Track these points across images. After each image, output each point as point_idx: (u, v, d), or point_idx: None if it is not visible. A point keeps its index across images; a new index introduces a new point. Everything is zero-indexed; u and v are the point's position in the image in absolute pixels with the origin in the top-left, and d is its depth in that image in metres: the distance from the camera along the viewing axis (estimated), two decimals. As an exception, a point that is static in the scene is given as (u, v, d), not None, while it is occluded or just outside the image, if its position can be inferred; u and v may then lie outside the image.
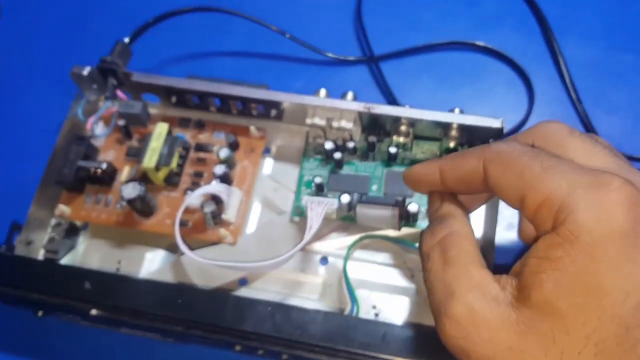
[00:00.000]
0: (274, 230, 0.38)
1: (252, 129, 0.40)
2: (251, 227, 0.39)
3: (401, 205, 0.35)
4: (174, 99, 0.40)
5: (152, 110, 0.41)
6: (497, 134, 0.36)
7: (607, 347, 0.20)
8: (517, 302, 0.22)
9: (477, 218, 0.37)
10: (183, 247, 0.35)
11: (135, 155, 0.40)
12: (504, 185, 0.24)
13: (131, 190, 0.36)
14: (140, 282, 0.33)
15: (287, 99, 0.38)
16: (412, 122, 0.37)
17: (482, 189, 0.26)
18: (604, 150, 0.26)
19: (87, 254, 0.38)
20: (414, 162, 0.38)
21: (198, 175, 0.39)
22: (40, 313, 0.36)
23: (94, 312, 0.33)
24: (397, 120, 0.37)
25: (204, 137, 0.40)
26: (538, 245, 0.22)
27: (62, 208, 0.38)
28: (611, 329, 0.20)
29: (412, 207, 0.35)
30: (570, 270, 0.21)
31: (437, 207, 0.29)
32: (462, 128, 0.37)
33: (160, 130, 0.38)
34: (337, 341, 0.30)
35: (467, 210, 0.29)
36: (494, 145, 0.26)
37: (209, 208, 0.36)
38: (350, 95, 0.38)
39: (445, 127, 0.37)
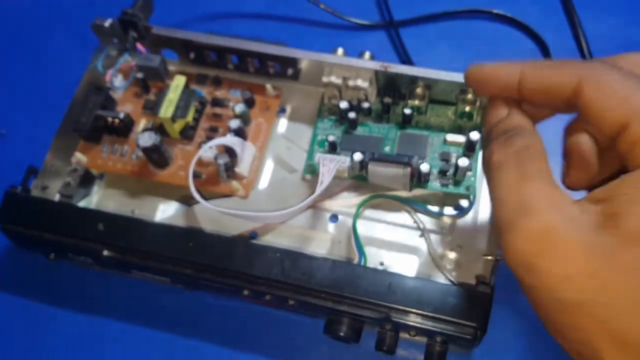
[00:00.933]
0: (285, 187, 0.39)
1: (268, 87, 0.40)
2: (263, 183, 0.39)
3: (413, 164, 0.35)
4: (192, 55, 0.41)
5: (170, 67, 0.42)
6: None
7: None
8: (602, 229, 0.21)
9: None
10: (196, 195, 0.35)
11: (152, 108, 0.40)
12: (601, 108, 0.23)
13: (147, 139, 0.36)
14: (152, 225, 0.34)
15: (305, 56, 0.38)
16: (428, 85, 0.38)
17: (563, 107, 0.25)
18: None
19: (101, 202, 0.39)
20: (428, 126, 0.38)
21: (213, 130, 0.39)
22: (52, 256, 0.37)
23: (106, 253, 0.33)
24: (413, 81, 0.37)
25: (220, 93, 0.41)
26: (635, 176, 0.22)
27: (79, 156, 0.39)
28: None
29: (424, 167, 0.35)
30: None
31: (503, 115, 0.27)
32: (478, 91, 0.37)
33: (177, 82, 0.38)
34: (344, 288, 0.31)
35: None
36: (593, 63, 0.24)
37: (223, 160, 0.37)
38: (367, 54, 0.38)
39: (462, 89, 0.37)
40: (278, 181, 0.39)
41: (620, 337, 0.20)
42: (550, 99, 0.25)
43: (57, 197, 0.38)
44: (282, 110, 0.41)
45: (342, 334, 0.32)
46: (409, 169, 0.35)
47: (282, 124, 0.41)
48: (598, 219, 0.22)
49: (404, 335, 0.33)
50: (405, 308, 0.30)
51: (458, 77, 0.36)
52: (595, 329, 0.21)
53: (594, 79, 0.24)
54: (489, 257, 0.33)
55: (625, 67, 0.24)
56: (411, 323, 0.30)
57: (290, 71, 0.40)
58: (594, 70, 0.24)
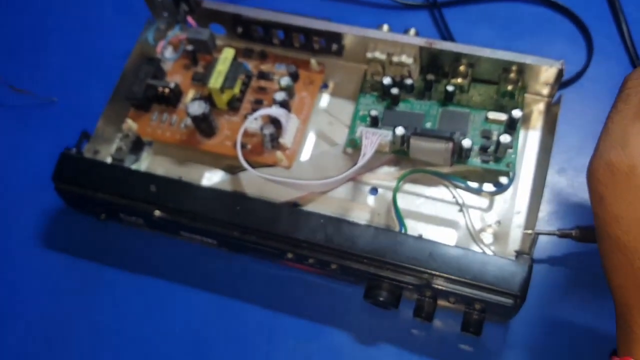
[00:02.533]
0: (326, 159, 0.40)
1: (313, 62, 0.41)
2: (305, 155, 0.40)
3: (455, 140, 0.36)
4: (239, 30, 0.42)
5: (218, 42, 0.43)
6: (557, 77, 0.37)
7: None
8: None
9: (529, 160, 0.38)
10: (244, 162, 0.36)
11: (201, 80, 0.41)
12: None
13: (197, 108, 0.38)
14: (202, 189, 0.35)
15: (351, 31, 0.39)
16: (471, 63, 0.38)
17: None
18: None
19: (149, 169, 0.40)
20: (469, 104, 0.39)
21: (258, 102, 0.41)
22: (102, 216, 0.39)
23: (157, 213, 0.35)
24: (457, 59, 0.38)
25: (266, 67, 0.42)
26: None
27: (130, 123, 0.40)
28: None
29: (466, 143, 0.36)
30: None
31: None
32: (521, 70, 0.37)
33: (226, 54, 0.40)
34: (386, 254, 0.32)
35: None
36: None
37: (269, 130, 0.38)
38: (412, 31, 0.39)
39: (505, 68, 0.38)
40: (319, 154, 0.40)
41: None
42: None
43: (109, 161, 0.40)
44: (325, 86, 0.42)
45: (382, 299, 0.33)
46: (451, 144, 0.35)
47: (325, 99, 0.42)
48: None
49: (441, 303, 0.34)
50: (446, 275, 0.31)
51: (502, 55, 0.37)
52: (630, 273, 0.22)
53: None
54: (529, 232, 0.34)
55: None
56: (452, 290, 0.31)
57: (334, 47, 0.41)
58: None
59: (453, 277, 0.31)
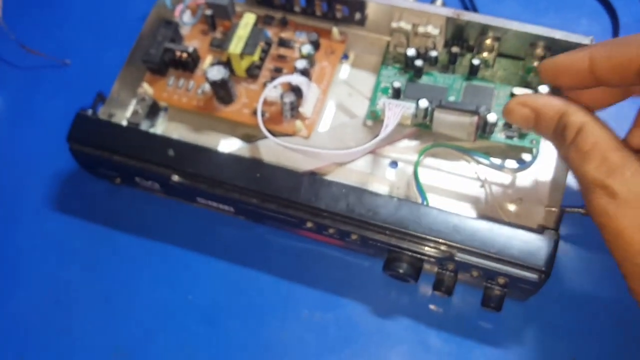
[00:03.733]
0: (346, 131, 0.39)
1: (335, 30, 0.40)
2: (324, 126, 0.39)
3: (481, 114, 0.35)
4: (260, -5, 0.41)
5: (237, 8, 0.42)
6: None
7: None
8: None
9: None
10: (264, 129, 0.36)
11: (219, 46, 0.40)
12: None
13: (216, 73, 0.37)
14: (221, 155, 0.34)
15: (376, 0, 0.38)
16: (497, 37, 0.37)
17: (637, 80, 0.25)
18: None
19: (164, 134, 0.40)
20: (494, 79, 0.38)
21: (277, 70, 0.40)
22: (117, 180, 0.38)
23: (175, 178, 0.34)
24: (483, 32, 0.37)
25: (286, 35, 0.41)
26: None
27: (146, 87, 0.39)
28: None
29: (491, 117, 0.35)
30: None
31: (558, 114, 0.28)
32: (549, 46, 0.37)
33: (247, 20, 0.39)
34: (408, 225, 0.31)
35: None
36: None
37: (289, 98, 0.37)
38: (439, 1, 0.38)
39: (533, 43, 0.37)
40: (339, 125, 0.39)
41: None
42: (621, 76, 0.26)
43: (124, 124, 0.39)
44: (345, 57, 0.41)
45: (402, 271, 0.32)
46: (476, 118, 0.35)
47: (345, 70, 0.41)
48: None
49: (461, 277, 0.33)
50: (470, 248, 0.30)
51: (530, 29, 0.36)
52: None
53: None
54: (553, 209, 0.33)
55: None
56: (475, 263, 0.30)
57: (357, 16, 0.40)
58: None
59: (477, 250, 0.30)
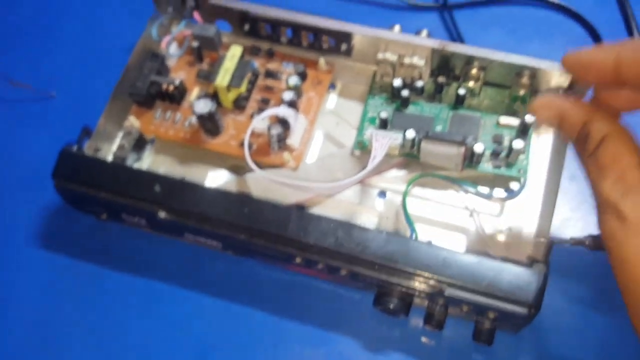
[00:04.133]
0: (334, 161, 0.39)
1: (321, 61, 0.40)
2: (312, 157, 0.39)
3: (467, 144, 0.35)
4: (246, 27, 0.41)
5: (224, 39, 0.42)
6: (571, 84, 0.36)
7: None
8: None
9: (540, 166, 0.37)
10: (251, 163, 0.35)
11: (206, 77, 0.40)
12: None
13: (203, 106, 0.37)
14: (208, 190, 0.34)
15: (361, 31, 0.38)
16: (483, 66, 0.38)
17: None
18: None
19: (151, 168, 0.39)
20: (480, 108, 0.38)
21: (265, 101, 0.40)
22: (103, 216, 0.38)
23: (162, 214, 0.34)
24: (469, 62, 0.37)
25: (273, 66, 0.41)
26: None
27: (132, 120, 0.39)
28: None
29: (478, 148, 0.35)
30: None
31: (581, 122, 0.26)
32: (534, 75, 0.37)
33: (234, 52, 0.39)
34: (398, 260, 0.31)
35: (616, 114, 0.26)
36: None
37: (276, 130, 0.37)
38: (424, 32, 0.38)
39: (518, 72, 0.37)
40: (327, 156, 0.39)
41: None
42: None
43: (110, 159, 0.38)
44: (332, 87, 0.42)
45: (392, 306, 0.32)
46: (463, 149, 0.35)
47: (332, 100, 0.41)
48: None
49: (452, 311, 0.33)
50: (459, 283, 0.30)
51: (515, 59, 0.36)
52: None
53: None
54: (542, 239, 0.33)
55: None
56: (465, 298, 0.30)
57: (344, 47, 0.40)
58: None
59: (467, 285, 0.30)
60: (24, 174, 0.42)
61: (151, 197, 0.34)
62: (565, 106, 0.26)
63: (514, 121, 0.37)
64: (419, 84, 0.38)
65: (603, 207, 0.24)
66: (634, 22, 0.43)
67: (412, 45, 0.37)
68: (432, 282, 0.31)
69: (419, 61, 0.38)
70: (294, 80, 0.39)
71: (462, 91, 0.37)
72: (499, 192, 0.37)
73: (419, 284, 0.31)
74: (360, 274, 0.32)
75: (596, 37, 0.43)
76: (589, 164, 0.25)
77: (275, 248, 0.33)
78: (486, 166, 0.36)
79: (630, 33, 0.43)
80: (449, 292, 0.31)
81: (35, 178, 0.39)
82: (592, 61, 0.26)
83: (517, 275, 0.30)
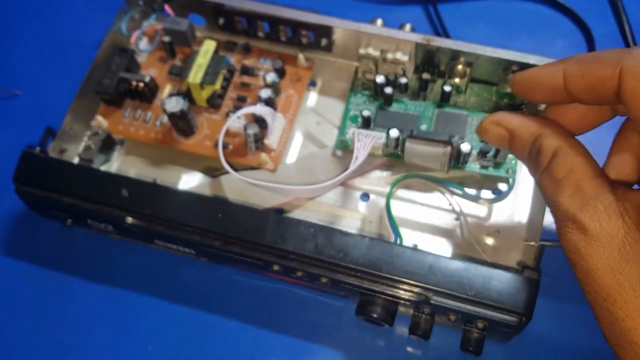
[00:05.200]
0: (315, 162, 0.37)
1: (301, 57, 0.38)
2: (291, 157, 0.37)
3: (454, 144, 0.33)
4: (221, 21, 0.39)
5: (197, 34, 0.40)
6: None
7: None
8: (634, 222, 0.21)
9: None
10: (225, 164, 0.33)
11: (178, 74, 0.38)
12: (637, 104, 0.22)
13: (175, 104, 0.35)
14: (180, 194, 0.32)
15: (342, 25, 0.36)
16: (469, 62, 0.36)
17: (614, 100, 0.23)
18: None
19: (121, 169, 0.37)
20: (466, 106, 0.37)
21: (241, 99, 0.38)
22: (68, 222, 0.35)
23: (129, 220, 0.32)
24: (454, 57, 0.36)
25: (249, 62, 0.39)
26: None
27: (100, 119, 0.37)
28: None
29: (465, 147, 0.34)
30: None
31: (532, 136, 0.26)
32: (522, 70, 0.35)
33: (207, 47, 0.37)
34: (381, 267, 0.29)
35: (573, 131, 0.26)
36: (635, 51, 0.22)
37: (253, 130, 0.35)
38: (408, 27, 0.37)
39: (506, 68, 0.35)
40: (307, 156, 0.38)
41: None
42: (597, 95, 0.24)
43: (76, 161, 0.36)
44: (313, 84, 0.40)
45: (375, 315, 0.30)
46: (449, 148, 0.33)
47: (312, 98, 0.39)
48: (634, 213, 0.22)
49: (438, 320, 0.31)
50: (446, 290, 0.29)
51: (502, 54, 0.35)
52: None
53: (636, 69, 0.22)
54: (532, 243, 0.32)
55: None
56: (452, 307, 0.29)
57: (324, 42, 0.38)
58: (636, 58, 0.22)
59: (454, 293, 0.28)
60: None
61: (118, 202, 0.32)
62: (515, 122, 0.25)
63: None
64: (403, 80, 0.36)
65: (562, 221, 0.23)
66: (625, 16, 0.42)
67: (395, 40, 0.36)
68: (417, 290, 0.29)
69: (402, 57, 0.36)
70: (271, 77, 0.37)
71: (447, 88, 0.36)
72: (487, 194, 0.35)
73: (403, 292, 0.29)
74: (342, 282, 0.30)
75: (586, 31, 0.42)
76: (544, 179, 0.24)
77: (251, 255, 0.31)
78: (473, 166, 0.35)
79: (620, 26, 0.42)
80: (436, 300, 0.29)
81: (-3, 181, 0.37)
82: (539, 79, 0.25)
83: (507, 282, 0.28)
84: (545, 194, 0.24)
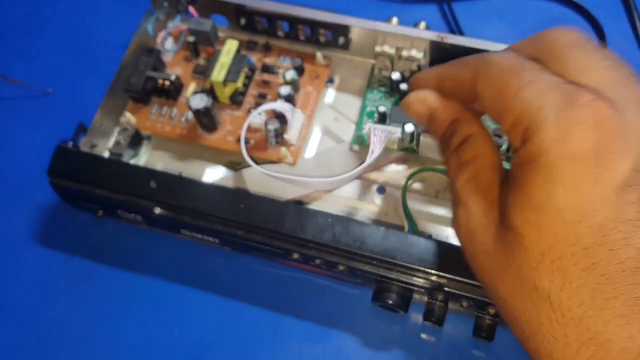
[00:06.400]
0: (332, 156, 0.38)
1: (319, 55, 0.40)
2: (310, 152, 0.39)
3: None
4: (242, 21, 0.41)
5: (220, 34, 0.42)
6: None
7: (564, 265, 0.20)
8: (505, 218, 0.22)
9: None
10: (247, 158, 0.35)
11: (202, 73, 0.40)
12: (487, 102, 0.23)
13: (199, 101, 0.36)
14: (204, 186, 0.34)
15: (358, 24, 0.38)
16: (482, 59, 0.37)
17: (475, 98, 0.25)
18: (606, 62, 0.22)
19: (148, 164, 0.39)
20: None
21: (262, 96, 0.39)
22: (100, 213, 0.37)
23: (157, 210, 0.33)
24: (468, 54, 0.37)
25: (270, 60, 0.40)
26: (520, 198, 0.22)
27: (128, 116, 0.39)
28: (567, 248, 0.20)
29: (477, 141, 0.35)
30: (526, 190, 0.21)
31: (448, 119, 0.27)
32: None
33: (230, 46, 0.38)
34: (396, 256, 0.31)
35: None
36: (487, 56, 0.24)
37: (273, 125, 0.36)
38: (422, 24, 0.38)
39: (518, 64, 0.36)
40: (325, 151, 0.39)
41: None
42: (466, 97, 0.25)
43: (106, 155, 0.38)
44: (330, 81, 0.41)
45: (391, 302, 0.31)
46: (462, 142, 0.34)
47: (330, 94, 0.41)
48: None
49: (452, 306, 0.32)
50: (459, 278, 0.30)
51: (516, 51, 0.36)
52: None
53: (483, 72, 0.23)
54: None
55: (542, 49, 0.23)
56: (465, 294, 0.30)
57: (341, 40, 0.39)
58: (485, 62, 0.23)
59: (467, 280, 0.30)
60: (20, 172, 0.42)
61: (146, 193, 0.33)
62: (436, 104, 0.26)
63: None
64: (418, 77, 0.38)
65: (456, 199, 0.25)
66: (637, 13, 0.43)
67: (410, 38, 0.37)
68: (431, 277, 0.30)
69: (417, 54, 0.37)
70: (291, 74, 0.38)
71: (461, 84, 0.37)
72: (500, 186, 0.36)
73: (418, 280, 0.31)
74: (359, 270, 0.31)
75: (598, 29, 0.43)
76: (451, 159, 0.25)
77: (272, 244, 0.32)
78: (486, 160, 0.36)
79: (632, 24, 0.43)
80: (449, 287, 0.30)
81: (32, 176, 0.39)
82: (422, 80, 0.27)
83: (517, 270, 0.29)
84: (449, 173, 0.26)
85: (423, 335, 0.34)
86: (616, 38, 0.42)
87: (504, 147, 0.36)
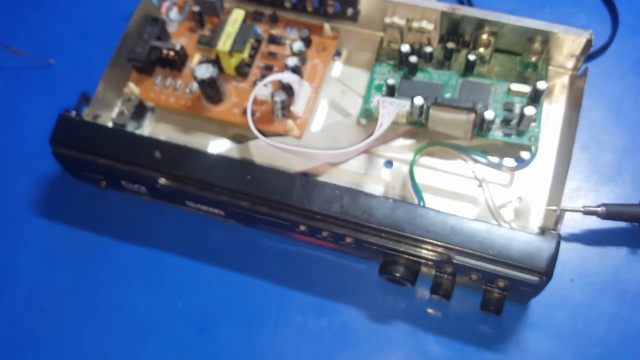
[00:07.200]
0: (339, 130, 0.38)
1: (327, 27, 0.39)
2: (316, 125, 0.38)
3: (477, 111, 0.34)
4: (249, -8, 0.40)
5: (226, 4, 0.41)
6: (584, 49, 0.35)
7: None
8: None
9: (551, 135, 0.36)
10: (254, 129, 0.34)
11: (207, 43, 0.39)
12: None
13: (205, 71, 0.36)
14: (210, 156, 0.33)
15: (368, -6, 0.37)
16: (494, 32, 0.36)
17: None
18: None
19: (152, 135, 0.38)
20: (490, 75, 0.37)
21: (268, 68, 0.39)
22: (103, 184, 0.37)
23: (162, 181, 0.33)
24: (480, 27, 0.36)
25: (276, 31, 0.40)
26: None
27: (132, 87, 0.38)
28: None
29: (488, 115, 0.34)
30: None
31: None
32: (546, 40, 0.36)
33: (236, 16, 0.37)
34: (405, 228, 0.30)
35: None
36: None
37: (280, 97, 0.36)
38: (433, -5, 0.37)
39: (530, 37, 0.36)
40: (331, 124, 0.38)
41: None
42: None
43: (110, 126, 0.38)
44: (338, 54, 0.40)
45: (399, 274, 0.31)
46: (473, 115, 0.34)
47: (337, 67, 0.40)
48: None
49: (459, 280, 0.32)
50: (468, 250, 0.29)
51: (528, 23, 0.35)
52: None
53: None
54: (553, 208, 0.32)
55: None
56: (474, 266, 0.29)
57: (350, 11, 0.39)
58: None
59: (476, 252, 0.29)
60: (22, 143, 0.41)
61: (151, 164, 0.33)
62: None
63: (526, 88, 0.36)
64: (428, 49, 0.37)
65: None
66: (650, -11, 0.42)
67: (420, 9, 0.36)
68: (440, 249, 0.30)
69: (427, 25, 0.36)
70: (298, 45, 0.38)
71: (472, 57, 0.36)
72: (510, 162, 0.36)
73: (426, 252, 0.30)
74: (366, 242, 0.31)
75: (610, 5, 0.42)
76: None
77: (278, 215, 0.32)
78: (497, 134, 0.35)
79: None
80: (458, 259, 0.30)
81: (35, 146, 0.38)
82: None
83: (528, 243, 0.29)
84: None
85: (430, 310, 0.34)
86: (628, 14, 0.42)
87: (514, 121, 0.35)
